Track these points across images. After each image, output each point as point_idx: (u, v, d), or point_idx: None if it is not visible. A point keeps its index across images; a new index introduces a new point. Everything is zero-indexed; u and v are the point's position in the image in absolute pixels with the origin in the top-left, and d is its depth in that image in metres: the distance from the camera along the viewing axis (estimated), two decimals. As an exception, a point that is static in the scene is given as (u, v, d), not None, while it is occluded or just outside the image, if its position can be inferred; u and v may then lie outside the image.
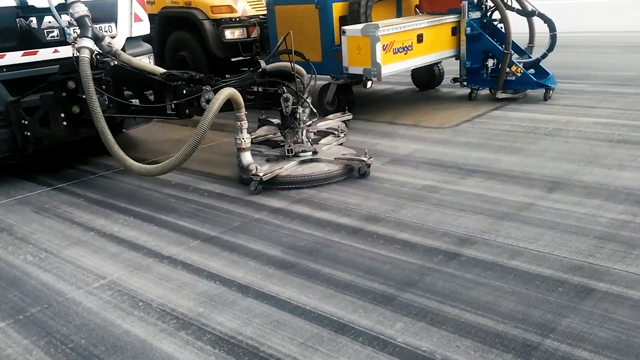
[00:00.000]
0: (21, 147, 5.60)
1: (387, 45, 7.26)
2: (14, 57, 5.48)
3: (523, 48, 8.01)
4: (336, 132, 6.18)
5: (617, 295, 3.20)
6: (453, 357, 2.79)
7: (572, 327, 2.95)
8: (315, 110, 5.76)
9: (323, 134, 6.19)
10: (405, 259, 3.77)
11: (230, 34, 9.07)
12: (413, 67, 7.99)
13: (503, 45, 7.56)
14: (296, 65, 6.22)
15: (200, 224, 4.53)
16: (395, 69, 7.61)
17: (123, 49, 6.04)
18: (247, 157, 5.20)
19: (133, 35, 6.56)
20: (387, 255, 3.82)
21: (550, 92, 7.59)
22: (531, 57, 7.89)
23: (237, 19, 9.15)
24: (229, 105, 5.02)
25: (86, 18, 5.29)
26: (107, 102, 5.40)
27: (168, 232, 4.44)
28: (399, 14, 8.17)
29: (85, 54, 5.06)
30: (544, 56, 7.80)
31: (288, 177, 5.14)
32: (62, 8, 5.39)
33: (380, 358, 2.82)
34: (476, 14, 7.70)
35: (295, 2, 7.84)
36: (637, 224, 4.01)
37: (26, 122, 5.46)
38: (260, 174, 4.98)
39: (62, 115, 5.47)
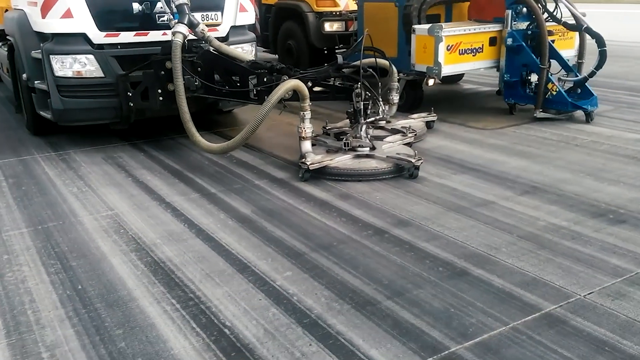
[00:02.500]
0: (126, 116, 6.31)
1: (452, 45, 7.55)
2: (127, 37, 6.23)
3: (571, 64, 7.50)
4: (405, 131, 6.17)
5: (482, 281, 3.56)
6: (305, 300, 3.40)
7: (416, 296, 3.40)
8: (383, 108, 5.98)
9: (395, 131, 6.25)
10: (335, 227, 4.35)
11: (329, 27, 9.85)
12: (480, 69, 8.08)
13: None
14: (385, 62, 6.67)
15: (214, 184, 5.37)
16: (458, 69, 7.92)
17: (227, 36, 6.87)
18: (305, 146, 5.42)
19: (237, 24, 7.03)
20: (321, 221, 4.45)
21: (593, 115, 7.10)
22: (578, 75, 7.38)
23: (338, 13, 9.90)
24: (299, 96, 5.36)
25: (185, 6, 5.87)
26: (196, 83, 5.95)
27: (184, 186, 5.38)
28: (448, 19, 8.18)
29: (179, 39, 5.66)
30: (591, 74, 7.16)
31: (335, 169, 5.30)
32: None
33: (251, 291, 3.51)
34: (524, 25, 7.30)
35: (379, 0, 8.38)
36: (568, 231, 4.19)
37: (130, 95, 6.13)
38: (308, 163, 5.23)
39: (159, 91, 6.00)
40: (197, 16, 6.29)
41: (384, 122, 6.47)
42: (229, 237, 4.26)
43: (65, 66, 6.07)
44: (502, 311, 3.24)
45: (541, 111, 7.20)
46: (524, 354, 2.87)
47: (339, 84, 5.98)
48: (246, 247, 4.10)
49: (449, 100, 8.77)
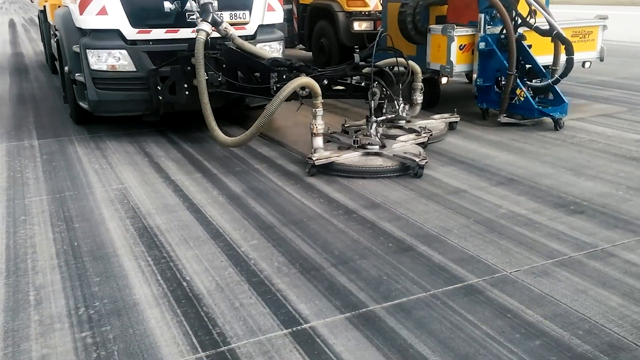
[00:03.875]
0: (156, 109, 6.66)
1: (465, 45, 7.81)
2: (158, 33, 6.61)
3: (545, 71, 7.21)
4: (419, 131, 6.26)
5: (423, 256, 3.93)
6: (260, 263, 3.88)
7: (359, 265, 3.82)
8: (400, 107, 6.24)
9: (412, 131, 6.33)
10: (312, 206, 4.81)
11: (357, 26, 10.29)
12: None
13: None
14: (412, 62, 6.82)
15: (217, 167, 5.91)
16: (470, 68, 8.16)
17: (255, 34, 7.23)
18: (317, 142, 5.59)
19: (265, 23, 7.28)
20: (301, 201, 4.91)
21: (561, 122, 6.95)
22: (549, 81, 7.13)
23: (367, 13, 10.31)
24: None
25: (209, 5, 6.18)
26: (219, 79, 6.31)
27: (191, 167, 5.95)
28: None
29: (202, 36, 5.97)
30: (556, 82, 7.02)
31: (342, 165, 5.47)
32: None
33: (216, 254, 4.02)
34: (497, 29, 7.16)
35: (400, 0, 8.71)
36: (524, 218, 4.49)
37: (159, 88, 6.47)
38: (314, 158, 5.42)
39: (185, 85, 6.36)
40: (226, 15, 6.74)
41: (404, 121, 6.61)
42: (214, 211, 4.78)
43: (101, 60, 6.56)
44: (429, 281, 3.61)
45: (505, 116, 7.16)
46: (430, 314, 3.25)
47: (356, 82, 6.15)
48: (226, 220, 4.60)
49: (466, 98, 8.99)
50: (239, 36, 6.70)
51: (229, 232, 4.37)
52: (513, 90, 7.08)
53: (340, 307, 3.34)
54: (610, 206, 4.67)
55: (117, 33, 6.56)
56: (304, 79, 5.58)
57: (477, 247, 4.04)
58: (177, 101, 6.60)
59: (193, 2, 6.39)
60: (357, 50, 6.18)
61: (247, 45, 6.55)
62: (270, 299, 3.45)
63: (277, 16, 7.62)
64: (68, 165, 6.05)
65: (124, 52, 6.56)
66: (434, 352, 2.93)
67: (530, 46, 7.37)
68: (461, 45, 7.70)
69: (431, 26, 7.99)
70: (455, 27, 7.62)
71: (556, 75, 7.13)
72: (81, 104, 7.08)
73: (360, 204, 4.85)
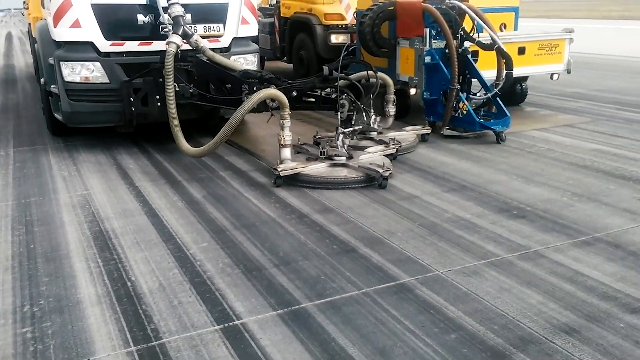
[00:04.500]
0: (129, 120, 6.70)
1: (431, 57, 7.99)
2: (131, 46, 6.69)
3: (489, 84, 7.35)
4: (387, 143, 6.35)
5: (363, 257, 4.10)
6: (205, 264, 4.03)
7: (300, 266, 3.98)
8: (371, 119, 6.36)
9: (382, 142, 6.43)
10: (266, 210, 5.00)
11: (335, 38, 10.50)
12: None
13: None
14: (383, 75, 7.07)
15: (182, 173, 6.09)
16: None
17: (229, 47, 7.34)
18: (284, 153, 5.67)
19: (239, 36, 7.38)
20: (257, 206, 5.07)
21: (503, 135, 7.03)
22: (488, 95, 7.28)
23: (344, 26, 10.53)
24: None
25: (180, 18, 6.32)
26: (191, 91, 6.44)
27: (157, 174, 6.11)
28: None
29: (172, 48, 6.12)
30: (495, 95, 7.16)
31: (307, 176, 5.53)
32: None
33: (165, 256, 4.18)
34: (442, 43, 7.27)
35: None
36: (467, 222, 4.66)
37: (132, 100, 6.54)
38: (279, 169, 5.49)
39: (157, 97, 6.46)
40: (200, 28, 6.94)
41: (375, 133, 6.72)
42: (171, 215, 4.94)
43: (74, 72, 6.65)
44: (363, 280, 3.77)
45: (447, 128, 7.28)
46: (358, 311, 3.40)
47: (325, 94, 6.22)
48: (180, 224, 4.76)
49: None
50: (214, 49, 6.86)
51: (182, 236, 4.53)
52: (456, 104, 7.23)
53: (274, 305, 3.49)
54: (551, 211, 4.83)
55: (91, 45, 6.63)
56: (269, 91, 5.66)
57: (416, 248, 4.20)
58: (149, 112, 6.68)
59: (165, 15, 6.54)
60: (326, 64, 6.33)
61: (218, 57, 6.66)
62: (209, 297, 3.60)
63: (252, 29, 7.72)
64: (38, 172, 6.22)
65: (98, 64, 6.64)
66: (354, 345, 3.08)
67: (476, 60, 7.53)
68: (428, 57, 7.89)
69: (399, 39, 8.19)
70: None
71: (495, 90, 7.23)
72: (56, 115, 7.17)
73: (314, 209, 5.02)
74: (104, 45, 6.66)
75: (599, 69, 13.49)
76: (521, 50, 8.44)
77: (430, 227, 4.58)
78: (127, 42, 6.72)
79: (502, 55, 7.25)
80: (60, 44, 6.80)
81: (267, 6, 12.99)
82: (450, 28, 7.09)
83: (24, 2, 8.79)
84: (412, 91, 8.26)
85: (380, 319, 3.33)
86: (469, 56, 7.33)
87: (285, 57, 12.16)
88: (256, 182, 5.77)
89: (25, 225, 4.79)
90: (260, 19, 12.98)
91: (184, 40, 6.41)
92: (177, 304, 3.53)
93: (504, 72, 7.36)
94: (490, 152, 6.64)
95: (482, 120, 7.21)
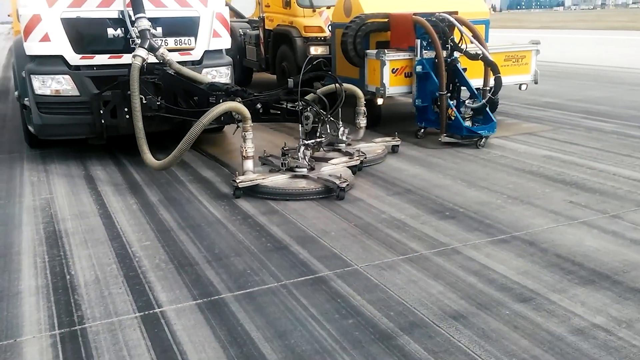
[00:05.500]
0: (100, 132, 6.83)
1: (397, 69, 8.31)
2: (101, 59, 6.87)
3: (476, 92, 7.77)
4: (351, 154, 6.50)
5: (292, 253, 4.38)
6: (143, 260, 4.31)
7: (231, 261, 4.25)
8: (335, 130, 6.59)
9: (348, 154, 6.57)
10: (215, 212, 5.28)
11: (314, 50, 10.81)
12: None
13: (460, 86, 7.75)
14: (352, 87, 7.35)
15: (145, 178, 6.39)
16: (403, 90, 8.64)
17: (201, 60, 7.55)
18: (246, 164, 5.77)
19: (211, 49, 7.54)
20: (207, 208, 5.37)
21: (482, 141, 7.36)
22: (481, 101, 7.64)
23: (323, 38, 10.85)
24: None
25: (147, 32, 6.52)
26: (158, 103, 6.59)
27: (121, 179, 6.42)
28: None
29: (137, 61, 6.30)
30: (489, 101, 7.55)
31: (265, 188, 5.62)
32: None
33: (108, 252, 4.46)
34: (432, 54, 7.64)
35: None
36: (400, 222, 4.93)
37: (102, 112, 6.69)
38: (237, 181, 5.57)
39: (126, 109, 6.56)
40: (171, 41, 7.20)
41: (344, 144, 6.89)
42: (123, 217, 5.24)
43: (45, 85, 6.85)
44: (285, 274, 4.03)
45: (446, 135, 7.54)
46: (272, 300, 3.67)
47: (290, 106, 6.21)
48: (130, 224, 5.06)
49: (408, 119, 9.45)
50: (185, 62, 7.11)
51: (128, 235, 4.82)
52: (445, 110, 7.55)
53: (196, 296, 3.77)
54: (482, 212, 5.09)
55: (61, 59, 6.85)
56: (229, 104, 5.82)
57: (344, 246, 4.46)
58: (118, 124, 6.79)
59: (133, 28, 6.79)
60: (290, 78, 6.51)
61: (185, 70, 6.88)
62: (138, 289, 3.89)
63: (224, 42, 7.87)
64: (9, 177, 6.55)
65: (68, 77, 6.82)
66: (258, 330, 3.35)
67: (465, 69, 7.89)
68: (394, 69, 8.22)
69: (367, 51, 8.49)
70: (387, 52, 8.14)
71: (488, 95, 7.64)
72: (30, 127, 7.36)
73: (260, 211, 5.30)
74: (74, 58, 6.86)
75: (583, 79, 13.76)
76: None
77: (363, 227, 4.84)
78: (97, 56, 6.90)
79: (487, 63, 7.67)
80: (32, 58, 6.95)
81: (257, 19, 13.32)
82: (439, 39, 7.51)
83: (9, 15, 9.11)
84: (379, 101, 8.54)
85: (289, 307, 3.59)
86: (458, 65, 7.72)
87: (269, 69, 12.49)
88: (214, 188, 6.05)
89: (-15, 226, 5.10)
90: (248, 30, 13.39)
91: (150, 53, 6.64)
92: (107, 295, 3.81)
93: (491, 79, 7.77)
94: (444, 159, 6.90)
95: (468, 125, 7.53)
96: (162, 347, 3.21)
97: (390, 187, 5.91)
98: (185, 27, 7.42)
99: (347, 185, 5.59)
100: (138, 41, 6.69)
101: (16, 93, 7.65)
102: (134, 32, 6.71)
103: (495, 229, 4.73)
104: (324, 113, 6.24)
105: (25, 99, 7.17)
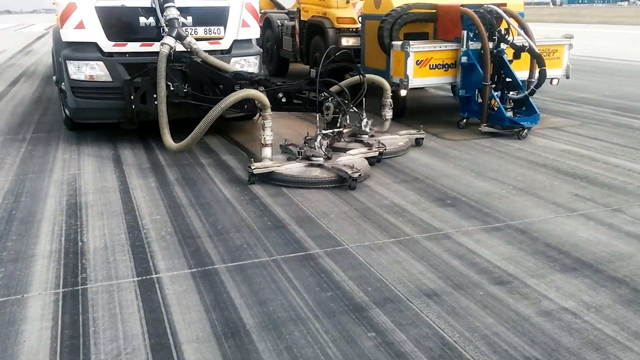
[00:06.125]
0: (131, 117, 7.11)
1: (422, 61, 8.40)
2: (133, 47, 7.12)
3: (521, 83, 7.80)
4: (371, 145, 6.54)
5: (289, 232, 4.60)
6: (150, 233, 4.60)
7: (230, 237, 4.50)
8: (361, 122, 6.74)
9: (369, 145, 6.61)
10: (225, 192, 5.53)
11: (345, 41, 10.98)
12: (451, 83, 8.82)
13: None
14: (379, 78, 7.51)
15: (168, 160, 6.69)
16: (427, 82, 8.74)
17: (230, 49, 7.77)
18: (265, 152, 5.94)
19: (240, 38, 7.75)
20: (219, 188, 5.62)
21: (525, 132, 7.46)
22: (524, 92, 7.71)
23: (355, 30, 11.00)
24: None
25: (175, 20, 6.77)
26: (185, 90, 6.78)
27: (145, 159, 6.75)
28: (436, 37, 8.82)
29: (165, 49, 6.54)
30: (531, 93, 7.66)
31: (280, 175, 5.73)
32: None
33: (120, 225, 4.78)
34: (479, 45, 7.74)
35: (375, 18, 9.34)
36: (400, 208, 5.07)
37: (132, 98, 6.95)
38: (253, 167, 5.71)
39: (154, 95, 6.73)
40: (200, 30, 7.44)
41: (367, 135, 7.00)
42: (141, 193, 5.56)
43: (80, 70, 7.21)
44: (279, 250, 4.25)
45: (486, 125, 7.67)
46: (260, 272, 3.90)
47: (312, 96, 6.35)
48: (145, 200, 5.37)
49: (437, 111, 9.54)
50: (214, 51, 7.36)
51: (142, 209, 5.13)
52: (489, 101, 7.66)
53: (192, 265, 4.03)
54: (483, 202, 5.18)
55: (95, 45, 7.18)
56: (248, 91, 5.99)
57: (339, 227, 4.65)
58: (147, 110, 7.00)
59: (161, 17, 7.09)
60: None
61: (211, 58, 7.10)
62: (141, 257, 4.18)
63: (253, 31, 8.07)
64: (44, 154, 6.98)
65: (101, 63, 7.15)
66: (242, 297, 3.58)
67: (511, 61, 7.96)
68: (418, 60, 8.29)
69: (393, 42, 8.59)
70: (412, 43, 8.23)
71: (531, 87, 7.75)
72: (65, 110, 7.81)
73: (268, 192, 5.53)
74: (107, 45, 7.17)
75: (626, 75, 13.46)
76: (516, 55, 8.69)
77: (362, 211, 5.01)
78: (129, 43, 7.16)
79: (532, 55, 7.75)
80: (67, 44, 7.31)
81: (294, 10, 13.52)
82: (486, 30, 7.60)
83: (54, 3, 9.59)
84: (403, 92, 8.63)
85: (275, 279, 3.81)
86: (505, 57, 7.79)
87: (303, 60, 12.70)
88: (231, 172, 6.29)
89: (15, 196, 5.50)
90: (285, 22, 13.63)
91: (178, 42, 6.90)
92: (111, 260, 4.12)
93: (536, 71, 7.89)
94: (460, 150, 6.98)
95: (510, 115, 7.63)
96: (151, 307, 3.48)
97: (399, 174, 6.05)
98: (214, 17, 7.61)
99: (360, 175, 5.64)
100: (167, 30, 6.96)
101: (54, 77, 8.06)
102: (162, 20, 7.00)
103: (492, 217, 4.83)
104: (346, 103, 6.37)
105: (62, 83, 7.55)
